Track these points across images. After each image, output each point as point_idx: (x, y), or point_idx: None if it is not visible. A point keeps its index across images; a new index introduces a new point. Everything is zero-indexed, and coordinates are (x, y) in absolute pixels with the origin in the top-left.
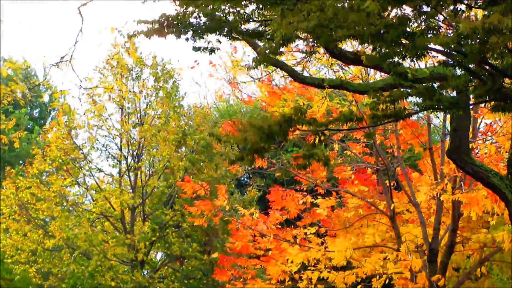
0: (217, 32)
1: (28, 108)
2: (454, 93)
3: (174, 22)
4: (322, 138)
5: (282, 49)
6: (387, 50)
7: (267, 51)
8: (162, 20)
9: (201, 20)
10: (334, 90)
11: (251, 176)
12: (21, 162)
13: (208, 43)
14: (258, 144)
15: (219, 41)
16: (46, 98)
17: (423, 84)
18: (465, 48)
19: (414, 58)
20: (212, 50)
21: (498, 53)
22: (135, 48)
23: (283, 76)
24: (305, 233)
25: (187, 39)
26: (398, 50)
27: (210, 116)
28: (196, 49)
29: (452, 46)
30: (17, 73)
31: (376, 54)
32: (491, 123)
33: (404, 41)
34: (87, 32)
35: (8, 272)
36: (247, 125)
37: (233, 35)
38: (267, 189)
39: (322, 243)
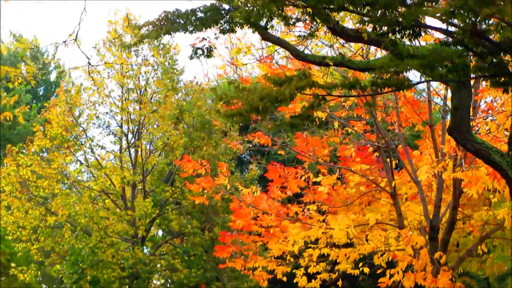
0: (217, 24)
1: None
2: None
3: (177, 20)
4: (321, 102)
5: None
6: (382, 19)
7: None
8: (164, 16)
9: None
10: (335, 68)
11: (252, 154)
12: (21, 139)
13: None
14: (260, 103)
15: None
16: (53, 76)
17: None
18: (458, 19)
19: (412, 36)
20: (209, 53)
21: (500, 27)
22: (132, 25)
23: (284, 56)
24: (307, 209)
25: (191, 32)
26: (394, 20)
27: (207, 94)
28: (195, 52)
29: (446, 18)
30: (27, 52)
31: (376, 31)
32: (491, 100)
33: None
34: (92, 12)
35: (9, 247)
36: (252, 87)
37: (234, 21)
38: (264, 168)
39: (323, 220)
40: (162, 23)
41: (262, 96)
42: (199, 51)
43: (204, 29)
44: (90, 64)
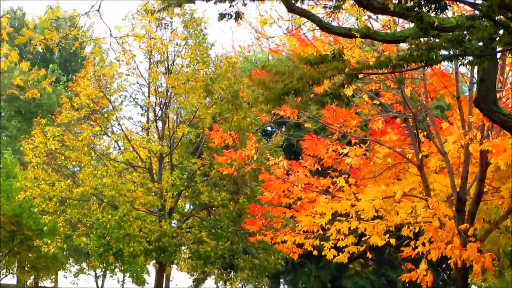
0: None
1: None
2: (481, 43)
3: None
4: (353, 80)
5: None
6: None
7: None
8: None
9: None
10: (364, 40)
11: (275, 126)
12: (47, 112)
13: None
14: (295, 86)
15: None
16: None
17: (452, 33)
18: None
19: (438, 10)
20: (237, 16)
21: None
22: None
23: (311, 29)
24: (335, 182)
25: (215, 2)
26: None
27: (237, 65)
28: (222, 16)
29: None
30: (50, 23)
31: (402, 4)
32: None
33: None
34: None
35: (34, 221)
36: (287, 69)
37: None
38: (293, 138)
39: (354, 193)
40: None
41: (300, 78)
42: (228, 16)
43: None
44: (112, 35)
